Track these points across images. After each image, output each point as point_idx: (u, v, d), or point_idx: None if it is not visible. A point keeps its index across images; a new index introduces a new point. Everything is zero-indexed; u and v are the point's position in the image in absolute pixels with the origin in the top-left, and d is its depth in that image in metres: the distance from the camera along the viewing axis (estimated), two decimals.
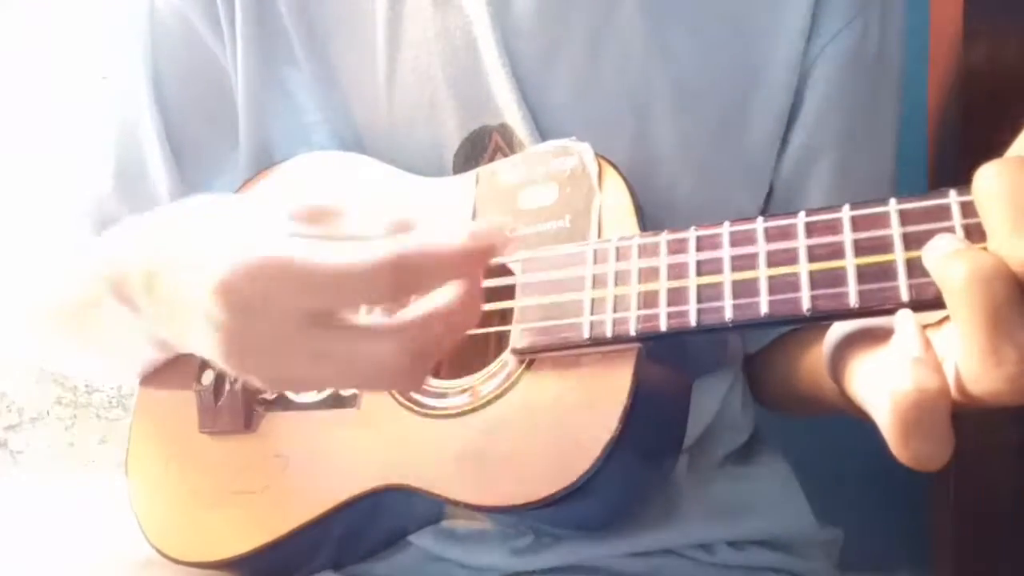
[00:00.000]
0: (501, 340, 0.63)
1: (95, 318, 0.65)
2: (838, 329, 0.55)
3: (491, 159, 0.71)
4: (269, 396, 0.71)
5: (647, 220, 0.61)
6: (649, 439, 0.60)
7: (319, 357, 0.47)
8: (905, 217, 0.46)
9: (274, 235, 0.48)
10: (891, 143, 0.80)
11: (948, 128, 0.98)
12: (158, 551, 0.71)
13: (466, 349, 0.65)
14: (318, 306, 0.47)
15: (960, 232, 0.43)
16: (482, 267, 0.50)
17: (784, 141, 0.75)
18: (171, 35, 0.77)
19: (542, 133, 0.70)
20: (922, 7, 1.01)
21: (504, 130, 0.71)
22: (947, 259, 0.42)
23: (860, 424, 0.78)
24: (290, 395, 0.70)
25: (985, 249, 0.41)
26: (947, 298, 0.42)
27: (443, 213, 0.69)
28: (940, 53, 0.99)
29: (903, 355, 0.44)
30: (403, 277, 0.46)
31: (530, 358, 0.60)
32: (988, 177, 0.41)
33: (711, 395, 0.76)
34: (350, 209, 0.53)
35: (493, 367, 0.62)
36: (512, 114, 0.71)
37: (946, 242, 0.43)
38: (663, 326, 0.53)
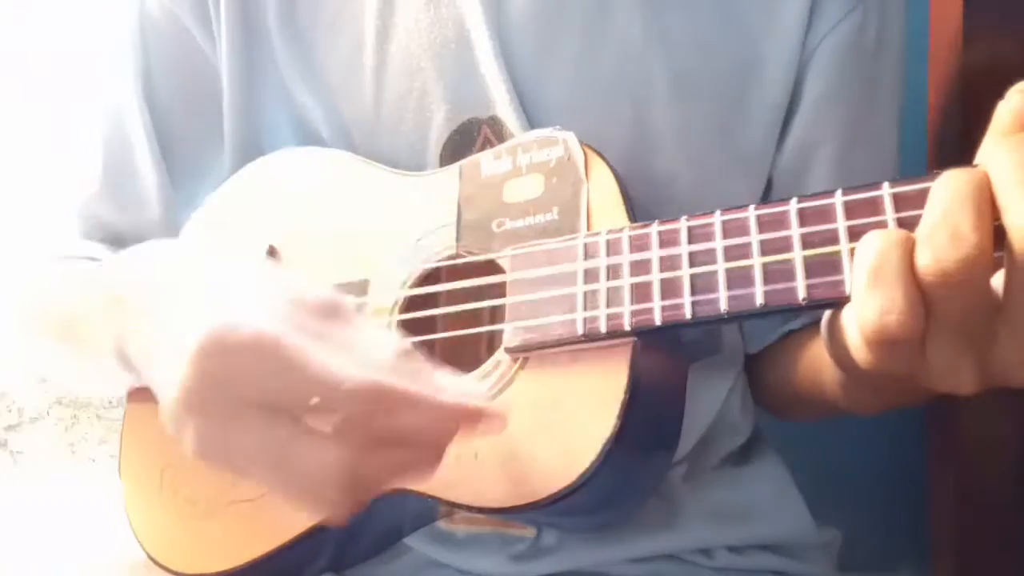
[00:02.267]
0: (494, 339, 0.62)
1: (84, 334, 0.64)
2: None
3: (480, 152, 0.70)
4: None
5: (645, 213, 0.61)
6: (648, 430, 0.59)
7: (261, 442, 0.46)
8: (899, 201, 0.46)
9: (277, 315, 0.47)
10: (892, 136, 0.79)
11: (948, 128, 0.98)
12: (157, 563, 0.70)
13: (459, 348, 0.65)
14: (286, 399, 0.46)
15: None
16: (458, 431, 0.49)
17: (783, 133, 0.75)
18: (160, 33, 0.77)
19: (534, 126, 0.70)
20: (922, 7, 1.00)
21: (494, 123, 0.71)
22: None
23: (860, 424, 0.78)
24: None
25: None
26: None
27: (426, 210, 0.68)
28: (940, 53, 0.99)
29: None
30: (379, 409, 0.46)
31: (524, 356, 0.60)
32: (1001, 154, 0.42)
33: (712, 397, 0.75)
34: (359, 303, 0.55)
35: (487, 366, 0.61)
36: (504, 107, 0.70)
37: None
38: (657, 320, 0.53)
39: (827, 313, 0.56)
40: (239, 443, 0.46)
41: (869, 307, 0.44)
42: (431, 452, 0.49)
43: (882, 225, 0.46)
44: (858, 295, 0.44)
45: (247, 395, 0.46)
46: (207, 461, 0.48)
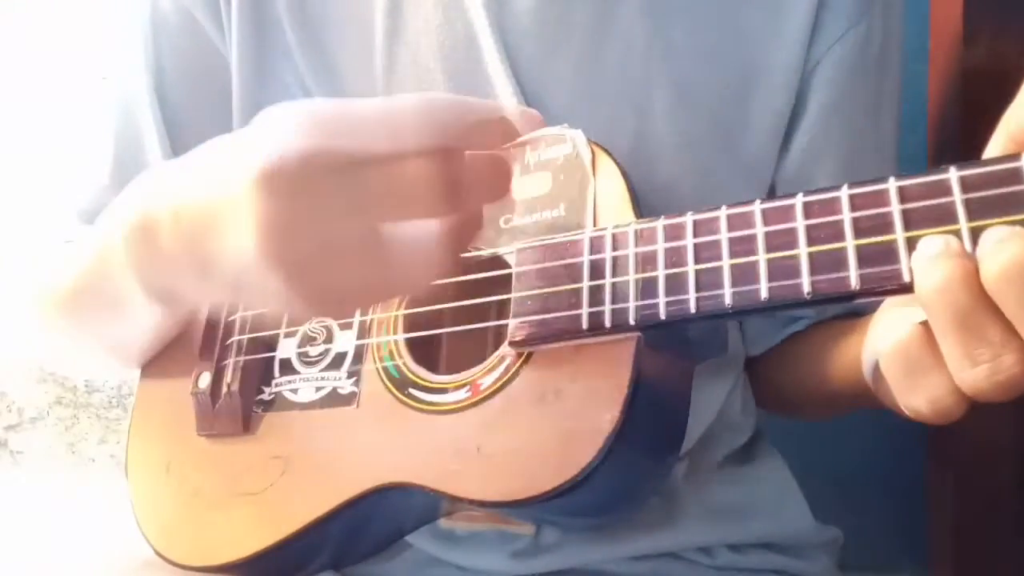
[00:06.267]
0: (499, 333, 0.62)
1: (98, 294, 0.64)
2: (871, 357, 0.57)
3: None
4: (267, 396, 0.70)
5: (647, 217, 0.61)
6: (651, 427, 0.59)
7: (357, 244, 0.47)
8: (904, 194, 0.46)
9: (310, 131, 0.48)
10: (893, 144, 0.80)
11: (948, 128, 0.98)
12: (161, 556, 0.70)
13: (464, 343, 0.65)
14: (363, 186, 0.46)
15: (961, 208, 0.44)
16: (506, 138, 0.52)
17: (786, 143, 0.75)
18: (172, 27, 0.77)
19: None
20: (922, 7, 1.01)
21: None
22: (922, 266, 0.44)
23: (860, 424, 0.78)
24: (287, 394, 0.69)
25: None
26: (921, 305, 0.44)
27: None
28: (940, 53, 0.99)
29: None
30: (436, 118, 0.48)
31: (528, 351, 0.60)
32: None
33: (712, 397, 0.75)
34: None
35: (491, 361, 0.61)
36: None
37: (929, 245, 0.44)
38: (662, 314, 0.53)
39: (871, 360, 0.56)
40: (335, 255, 0.47)
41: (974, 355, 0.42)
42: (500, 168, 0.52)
43: (888, 218, 0.46)
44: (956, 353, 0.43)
45: (326, 206, 0.46)
46: (306, 294, 0.47)
